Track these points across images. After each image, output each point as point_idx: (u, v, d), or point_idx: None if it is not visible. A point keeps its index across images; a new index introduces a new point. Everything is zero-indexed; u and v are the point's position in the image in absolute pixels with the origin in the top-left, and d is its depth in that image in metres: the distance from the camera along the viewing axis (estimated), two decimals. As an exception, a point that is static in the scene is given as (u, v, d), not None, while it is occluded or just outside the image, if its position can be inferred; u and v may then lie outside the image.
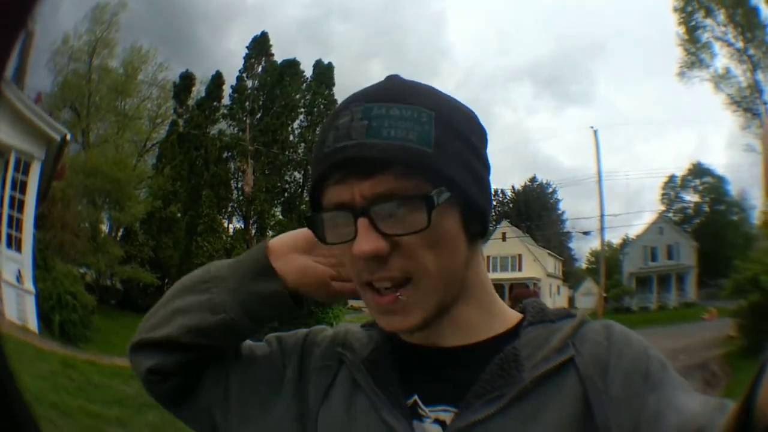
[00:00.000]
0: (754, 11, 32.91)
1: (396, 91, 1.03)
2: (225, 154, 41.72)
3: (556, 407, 0.98)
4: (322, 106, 43.23)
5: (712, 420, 0.89)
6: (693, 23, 36.28)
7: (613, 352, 1.02)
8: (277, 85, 42.83)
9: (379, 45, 78.00)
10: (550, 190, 64.65)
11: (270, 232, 38.03)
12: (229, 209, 41.75)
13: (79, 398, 10.81)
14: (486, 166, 1.09)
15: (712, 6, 35.05)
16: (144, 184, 36.02)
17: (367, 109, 1.00)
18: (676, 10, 37.01)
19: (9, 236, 15.36)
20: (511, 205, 62.77)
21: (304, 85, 44.01)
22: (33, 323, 15.25)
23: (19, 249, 15.58)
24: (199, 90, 42.35)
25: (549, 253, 50.72)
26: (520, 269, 46.58)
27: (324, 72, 44.23)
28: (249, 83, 43.63)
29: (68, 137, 17.54)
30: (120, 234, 33.71)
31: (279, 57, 44.36)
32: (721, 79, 35.50)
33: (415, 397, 1.06)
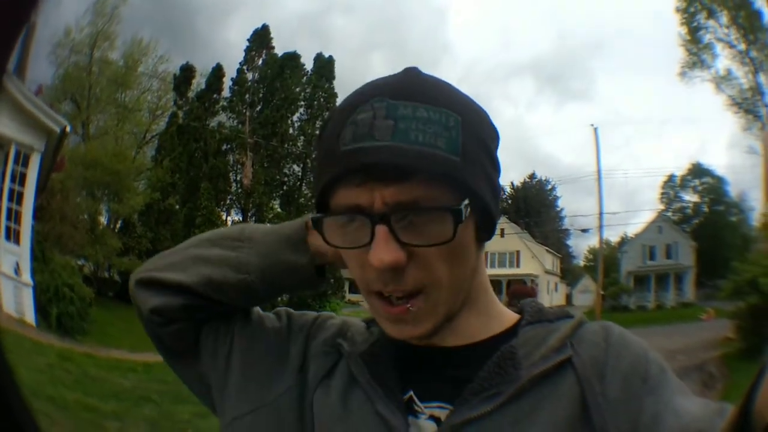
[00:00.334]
0: (757, 14, 32.97)
1: (419, 89, 0.99)
2: (224, 147, 41.64)
3: (552, 407, 0.97)
4: (322, 100, 43.21)
5: (711, 423, 0.89)
6: (695, 24, 36.33)
7: (611, 354, 1.02)
8: (278, 77, 42.76)
9: (380, 38, 77.75)
10: (549, 187, 64.62)
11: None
12: (228, 202, 41.72)
13: (76, 391, 10.88)
14: (498, 170, 1.07)
15: (715, 8, 35.08)
16: (143, 176, 36.04)
17: (392, 107, 0.95)
18: (678, 10, 37.07)
19: (7, 228, 15.39)
20: (509, 202, 62.74)
21: (305, 78, 43.92)
22: (30, 316, 15.29)
23: (17, 241, 15.60)
24: (199, 82, 42.31)
25: (547, 250, 50.80)
26: (518, 265, 46.61)
27: (324, 65, 44.17)
28: (249, 76, 43.55)
29: (68, 129, 17.57)
30: (118, 226, 33.67)
31: (280, 50, 44.28)
32: (722, 81, 35.58)
33: (411, 393, 1.05)
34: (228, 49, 71.26)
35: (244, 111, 41.68)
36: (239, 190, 41.31)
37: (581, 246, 67.65)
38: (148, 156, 38.88)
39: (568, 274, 56.41)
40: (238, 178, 41.60)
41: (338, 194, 0.98)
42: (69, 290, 17.44)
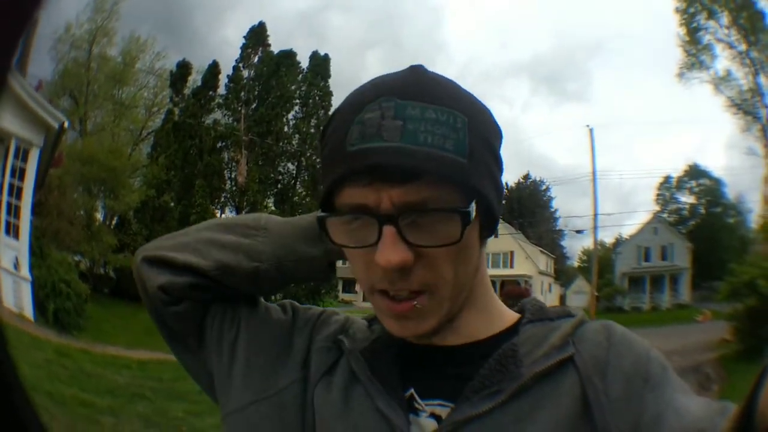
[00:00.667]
0: (760, 15, 33.08)
1: (427, 88, 0.98)
2: (219, 144, 41.68)
3: (554, 406, 0.96)
4: (317, 98, 43.41)
5: (713, 423, 0.89)
6: (695, 25, 36.45)
7: (613, 353, 1.01)
8: (273, 75, 42.86)
9: (376, 37, 78.25)
10: (544, 187, 65.01)
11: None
12: (222, 199, 41.75)
13: (72, 387, 10.86)
14: (501, 168, 1.06)
15: (716, 8, 35.19)
16: (139, 172, 36.05)
17: (401, 108, 0.94)
18: (678, 11, 37.18)
19: (7, 223, 15.41)
20: (504, 202, 63.03)
21: (300, 76, 44.09)
22: (29, 311, 15.29)
23: (16, 236, 15.62)
24: (195, 79, 42.36)
25: (541, 251, 51.02)
26: (511, 266, 46.81)
27: (320, 63, 44.32)
28: (245, 73, 43.66)
29: (66, 125, 17.57)
30: (114, 222, 33.74)
31: (276, 47, 44.46)
32: (721, 82, 35.71)
33: (411, 390, 1.05)
34: (224, 46, 71.40)
35: (240, 108, 41.79)
36: (234, 188, 41.38)
37: (575, 247, 68.16)
38: (144, 153, 39.05)
39: (562, 275, 56.71)
40: (233, 176, 41.70)
41: (344, 194, 0.98)
42: (66, 286, 17.43)
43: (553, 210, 65.18)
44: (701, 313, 30.21)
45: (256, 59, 43.95)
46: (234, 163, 41.33)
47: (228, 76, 43.22)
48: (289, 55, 43.90)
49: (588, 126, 41.19)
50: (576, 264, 64.14)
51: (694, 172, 48.14)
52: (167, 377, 13.29)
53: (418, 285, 0.97)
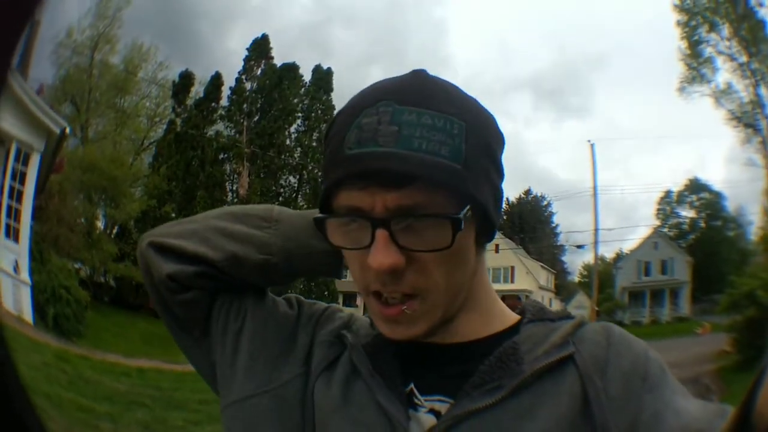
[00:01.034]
0: (761, 24, 33.10)
1: (427, 93, 0.99)
2: (221, 156, 41.65)
3: (554, 403, 0.97)
4: (319, 111, 43.38)
5: (711, 424, 0.90)
6: (696, 38, 36.45)
7: (612, 353, 1.02)
8: (276, 88, 42.86)
9: (379, 51, 78.20)
10: (545, 203, 64.92)
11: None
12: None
13: (70, 391, 10.88)
14: (502, 175, 1.08)
15: (717, 20, 35.21)
16: (140, 182, 36.05)
17: (397, 113, 0.95)
18: (679, 24, 37.21)
19: (7, 226, 15.41)
20: (505, 218, 62.92)
21: (303, 89, 44.06)
22: (28, 314, 15.28)
23: (16, 240, 15.64)
24: (197, 90, 42.33)
25: (542, 266, 50.87)
26: (512, 281, 46.63)
27: (323, 77, 44.33)
28: (247, 85, 43.65)
29: (68, 131, 17.59)
30: (115, 231, 33.73)
31: (279, 60, 44.45)
32: (722, 95, 35.65)
33: (411, 386, 1.06)
34: (228, 57, 71.66)
35: (242, 121, 41.76)
36: (235, 200, 41.26)
37: (576, 262, 67.87)
38: (145, 163, 38.98)
39: (563, 289, 56.50)
40: (234, 188, 41.65)
41: (341, 196, 0.99)
42: (65, 292, 17.45)
43: (554, 225, 65.09)
44: (701, 326, 30.15)
45: (259, 71, 43.96)
46: (236, 175, 41.31)
47: (231, 87, 43.23)
48: (291, 68, 43.93)
49: (589, 141, 41.31)
50: (576, 279, 63.94)
51: (695, 186, 48.13)
52: (166, 386, 13.31)
53: (409, 288, 0.98)
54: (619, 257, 49.22)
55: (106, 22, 35.28)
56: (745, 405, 0.74)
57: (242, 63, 43.98)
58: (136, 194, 34.37)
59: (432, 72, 1.05)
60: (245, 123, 41.47)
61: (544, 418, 0.95)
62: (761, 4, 32.91)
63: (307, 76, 44.34)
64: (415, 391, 1.05)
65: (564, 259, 64.66)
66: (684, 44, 37.19)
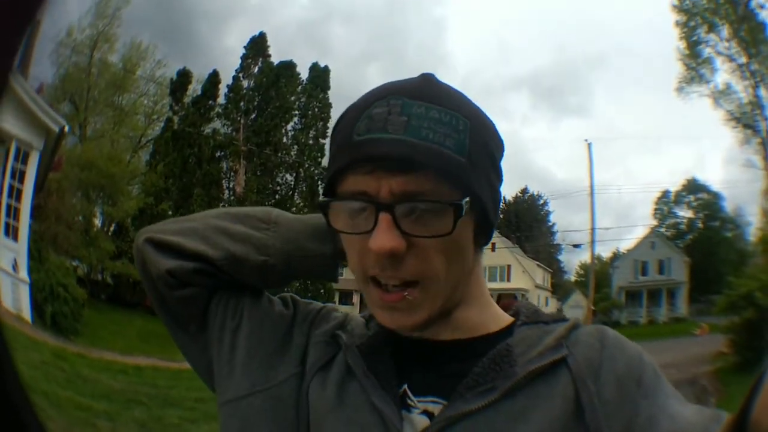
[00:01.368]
0: (761, 26, 33.12)
1: (435, 92, 1.03)
2: (218, 154, 41.61)
3: (547, 406, 0.98)
4: (316, 110, 43.32)
5: (706, 429, 0.91)
6: (695, 38, 36.45)
7: (606, 356, 1.03)
8: (273, 86, 42.80)
9: (377, 49, 78.10)
10: (542, 201, 64.91)
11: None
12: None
13: (68, 390, 10.93)
14: (500, 179, 1.11)
15: (716, 21, 35.22)
16: (137, 180, 35.98)
17: (407, 105, 0.99)
18: (678, 24, 37.21)
19: (6, 225, 15.42)
20: (501, 216, 62.83)
21: (300, 87, 43.97)
22: (27, 313, 15.30)
23: (15, 238, 15.65)
24: (195, 88, 42.22)
25: (538, 265, 50.89)
26: (508, 280, 46.67)
27: (320, 75, 44.26)
28: (245, 83, 43.55)
29: (66, 129, 17.61)
30: (112, 229, 33.68)
31: (276, 58, 44.34)
32: (720, 95, 35.65)
33: (405, 386, 1.06)
34: (225, 55, 71.25)
35: (239, 118, 41.70)
36: (232, 198, 41.23)
37: (573, 261, 67.75)
38: (142, 160, 38.90)
39: (559, 289, 56.44)
40: (231, 186, 41.59)
41: (347, 181, 1.01)
42: (63, 290, 17.47)
43: (550, 224, 65.01)
44: (698, 327, 30.16)
45: (256, 69, 43.87)
46: (232, 173, 41.24)
47: (228, 85, 43.12)
48: (289, 66, 43.86)
49: (586, 140, 41.30)
50: (573, 278, 63.96)
51: (693, 186, 48.11)
52: (163, 384, 13.32)
53: (408, 275, 1.00)
54: (616, 257, 49.28)
55: (105, 21, 35.38)
56: (742, 413, 0.76)
57: (240, 61, 43.91)
58: (133, 192, 34.32)
59: (430, 70, 1.12)
60: (242, 121, 41.41)
61: (537, 421, 0.96)
62: (762, 6, 32.98)
63: (304, 74, 44.28)
64: (409, 392, 1.05)
65: (561, 258, 64.66)
66: (683, 44, 37.23)
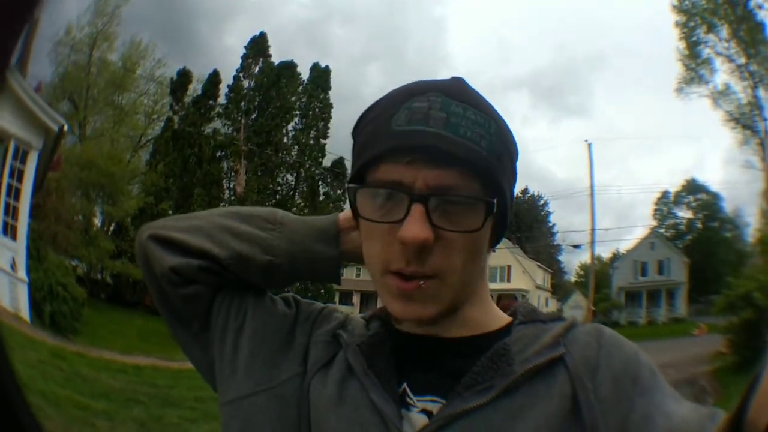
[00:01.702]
0: (759, 27, 33.08)
1: (468, 94, 1.05)
2: (218, 154, 41.57)
3: (544, 404, 0.98)
4: (317, 110, 43.32)
5: (702, 427, 0.91)
6: (694, 38, 36.46)
7: (603, 354, 1.03)
8: (273, 86, 42.78)
9: (378, 49, 78.13)
10: (542, 202, 64.90)
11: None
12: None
13: (66, 389, 10.85)
14: (515, 183, 1.13)
15: (716, 21, 35.19)
16: (137, 179, 35.93)
17: (447, 104, 1.01)
18: (677, 25, 37.19)
19: (5, 224, 15.41)
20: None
21: (300, 87, 43.95)
22: (25, 312, 15.27)
23: (14, 237, 15.63)
24: (195, 88, 42.23)
25: (538, 265, 50.84)
26: (508, 280, 46.59)
27: (320, 75, 44.24)
28: (245, 83, 43.53)
29: (65, 128, 17.57)
30: (112, 228, 33.67)
31: (277, 58, 44.36)
32: (720, 96, 35.70)
33: (405, 385, 1.07)
34: (226, 55, 71.33)
35: (239, 118, 41.68)
36: (232, 198, 41.18)
37: (573, 262, 67.88)
38: (142, 160, 38.91)
39: (559, 289, 56.41)
40: (232, 186, 41.58)
41: (381, 169, 1.01)
42: (62, 289, 17.42)
43: (550, 225, 65.05)
44: (697, 327, 30.16)
45: (256, 69, 43.86)
46: (233, 173, 41.22)
47: (228, 85, 43.13)
48: (289, 66, 43.83)
49: (586, 141, 41.26)
50: (573, 279, 64.01)
51: (692, 187, 48.11)
52: (162, 383, 13.28)
53: (431, 270, 1.00)
54: (616, 257, 49.29)
55: (104, 20, 35.40)
56: (738, 412, 0.76)
57: (240, 61, 43.95)
58: (133, 191, 34.29)
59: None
60: (243, 121, 41.39)
61: (534, 419, 0.96)
62: (761, 6, 32.93)
63: (304, 74, 44.29)
64: (408, 391, 1.06)
65: (561, 258, 64.72)
66: (682, 45, 37.25)
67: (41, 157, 16.61)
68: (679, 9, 36.84)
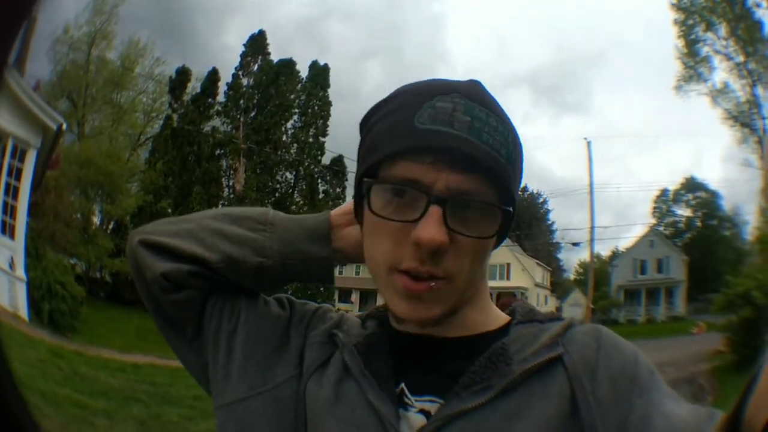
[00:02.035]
0: (757, 25, 33.15)
1: (488, 99, 1.05)
2: (217, 152, 41.55)
3: (542, 404, 0.98)
4: (316, 107, 43.30)
5: (700, 428, 0.91)
6: (693, 36, 36.53)
7: (601, 355, 1.03)
8: (272, 84, 42.76)
9: (377, 46, 77.97)
10: (541, 200, 64.83)
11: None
12: (220, 207, 41.44)
13: (65, 387, 10.91)
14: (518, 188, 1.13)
15: (714, 19, 35.26)
16: (136, 178, 35.94)
17: (470, 107, 1.00)
18: (676, 22, 37.23)
19: (3, 222, 15.41)
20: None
21: (299, 85, 43.94)
22: (24, 311, 15.28)
23: (12, 236, 15.62)
24: (194, 86, 42.19)
25: (537, 263, 50.79)
26: (508, 278, 46.56)
27: (319, 73, 44.22)
28: (244, 81, 43.52)
29: (64, 127, 17.57)
30: (111, 227, 33.68)
31: (276, 56, 44.31)
32: (718, 94, 35.78)
33: (402, 385, 1.07)
34: (224, 53, 71.23)
35: (238, 116, 41.66)
36: (231, 196, 41.19)
37: (572, 260, 67.74)
38: (141, 158, 38.86)
39: (558, 287, 56.40)
40: (231, 184, 41.57)
41: (399, 166, 1.00)
42: (61, 288, 17.46)
43: (550, 222, 64.95)
44: (696, 325, 30.23)
45: (255, 67, 43.85)
46: (232, 171, 41.18)
47: (227, 83, 43.11)
48: (288, 64, 43.81)
49: (586, 139, 41.25)
50: (572, 277, 63.96)
51: (691, 185, 48.17)
52: (161, 381, 13.27)
53: (443, 272, 0.99)
54: (615, 255, 49.38)
55: (102, 18, 35.36)
56: (736, 412, 0.75)
57: (239, 59, 43.92)
58: (132, 190, 34.28)
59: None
60: (242, 119, 41.36)
61: (532, 419, 0.96)
62: (758, 5, 32.97)
63: (303, 72, 44.27)
64: (406, 391, 1.06)
65: (560, 256, 64.62)
66: (681, 43, 37.30)
67: (40, 155, 16.61)
68: (678, 7, 36.93)
